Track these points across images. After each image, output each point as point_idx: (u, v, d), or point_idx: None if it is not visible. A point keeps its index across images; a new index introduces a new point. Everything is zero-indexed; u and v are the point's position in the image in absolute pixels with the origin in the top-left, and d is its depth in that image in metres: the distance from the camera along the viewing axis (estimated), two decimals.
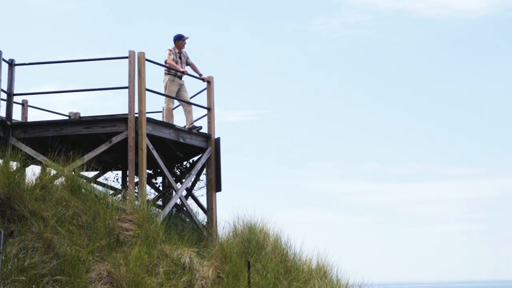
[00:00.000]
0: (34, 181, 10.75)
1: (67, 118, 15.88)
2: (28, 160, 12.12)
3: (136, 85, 12.38)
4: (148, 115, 12.57)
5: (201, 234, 12.60)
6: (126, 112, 12.29)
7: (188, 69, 14.22)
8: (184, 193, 13.83)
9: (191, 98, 14.30)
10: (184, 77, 14.07)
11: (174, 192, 13.57)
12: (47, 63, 13.15)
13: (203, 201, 13.97)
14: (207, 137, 13.77)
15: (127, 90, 12.34)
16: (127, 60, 12.43)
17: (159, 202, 14.32)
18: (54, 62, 13.39)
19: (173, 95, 13.80)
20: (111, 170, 14.84)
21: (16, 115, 14.30)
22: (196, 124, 13.92)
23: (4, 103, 12.64)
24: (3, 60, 12.44)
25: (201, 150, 13.89)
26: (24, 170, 11.40)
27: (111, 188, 14.01)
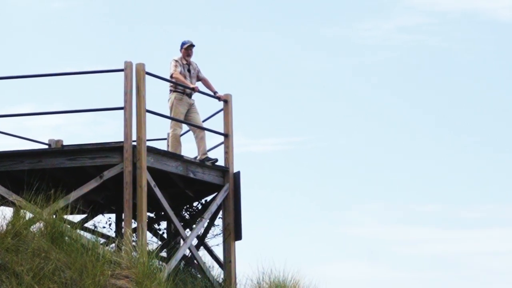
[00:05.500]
0: (4, 227, 10.76)
1: (46, 147, 15.93)
2: None
3: (133, 105, 12.41)
4: (149, 144, 12.57)
5: None
6: (121, 139, 12.30)
7: (199, 85, 14.21)
8: (195, 242, 13.79)
9: (203, 121, 14.29)
10: (195, 95, 14.06)
11: (182, 241, 13.55)
12: (22, 78, 13.23)
13: (219, 252, 13.93)
14: (224, 171, 13.75)
15: (122, 111, 12.35)
16: (122, 73, 12.45)
17: (163, 254, 14.28)
18: (31, 76, 13.44)
19: (181, 117, 13.77)
20: (102, 213, 14.84)
21: None
22: (210, 155, 13.89)
23: None
24: None
25: (217, 188, 13.87)
26: None
27: (103, 235, 14.00)
